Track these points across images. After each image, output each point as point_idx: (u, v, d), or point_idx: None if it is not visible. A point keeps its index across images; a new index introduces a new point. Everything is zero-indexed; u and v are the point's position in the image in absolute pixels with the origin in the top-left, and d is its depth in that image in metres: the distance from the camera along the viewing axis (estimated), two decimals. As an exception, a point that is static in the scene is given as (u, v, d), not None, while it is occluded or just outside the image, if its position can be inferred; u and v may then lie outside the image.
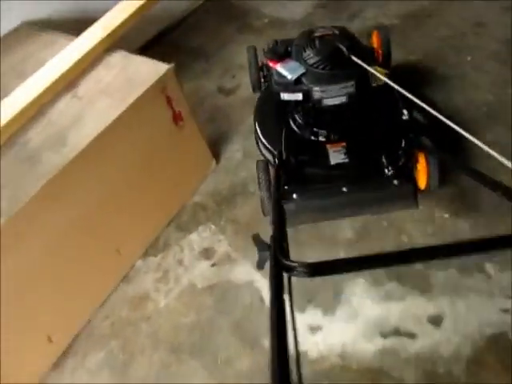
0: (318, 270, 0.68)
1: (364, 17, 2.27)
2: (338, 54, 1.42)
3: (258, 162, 1.55)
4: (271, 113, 1.67)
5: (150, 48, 2.23)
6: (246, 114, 1.82)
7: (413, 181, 1.47)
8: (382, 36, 1.72)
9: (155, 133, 1.45)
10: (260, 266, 0.82)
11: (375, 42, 1.77)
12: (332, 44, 1.44)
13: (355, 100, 1.45)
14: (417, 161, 1.51)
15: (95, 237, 1.38)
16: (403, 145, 1.48)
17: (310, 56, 1.43)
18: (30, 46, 1.57)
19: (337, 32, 1.47)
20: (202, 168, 1.75)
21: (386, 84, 1.34)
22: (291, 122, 1.59)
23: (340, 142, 1.53)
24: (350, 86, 1.40)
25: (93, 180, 1.30)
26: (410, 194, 1.46)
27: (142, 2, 1.59)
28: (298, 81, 1.43)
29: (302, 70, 1.43)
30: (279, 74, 1.45)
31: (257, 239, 0.83)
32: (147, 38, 2.25)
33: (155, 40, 2.30)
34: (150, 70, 1.39)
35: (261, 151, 1.63)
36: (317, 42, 1.46)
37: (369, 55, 1.49)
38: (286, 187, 1.46)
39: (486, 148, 0.86)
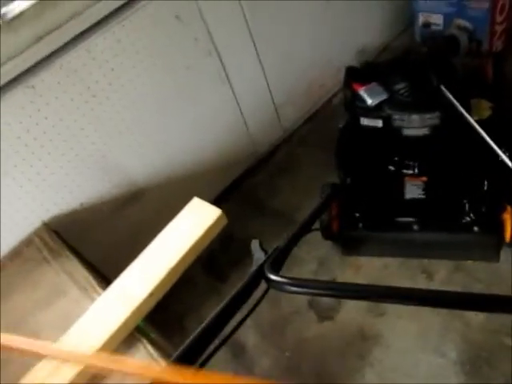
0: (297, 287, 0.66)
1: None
2: (426, 81, 1.36)
3: (323, 185, 1.49)
4: (353, 138, 1.55)
5: (223, 200, 1.72)
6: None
7: (497, 230, 1.34)
8: (496, 66, 1.60)
9: None
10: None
11: (488, 71, 1.62)
12: (421, 70, 1.39)
13: (441, 133, 1.37)
14: (504, 209, 1.36)
15: None
16: (492, 189, 1.36)
17: (396, 81, 1.39)
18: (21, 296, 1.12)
19: (431, 59, 1.41)
20: None
21: (491, 118, 1.34)
22: (369, 148, 1.50)
23: (420, 176, 1.43)
24: (434, 118, 1.33)
25: None
26: (492, 244, 1.35)
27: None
28: (379, 107, 1.39)
29: (383, 96, 1.39)
30: (360, 98, 1.42)
31: (257, 244, 0.78)
32: (220, 189, 1.77)
33: (231, 189, 1.80)
34: None
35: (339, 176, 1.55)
36: (406, 67, 1.42)
37: (469, 86, 1.44)
38: (356, 214, 1.43)
39: None
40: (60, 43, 1.20)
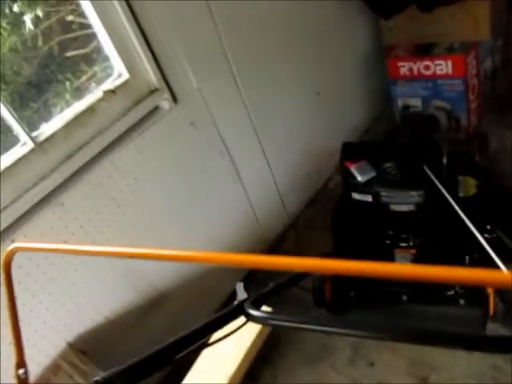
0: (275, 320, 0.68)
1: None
2: (410, 161, 1.46)
3: (317, 253, 1.38)
4: (347, 211, 1.63)
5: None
6: None
7: (482, 303, 1.31)
8: (482, 145, 1.73)
9: None
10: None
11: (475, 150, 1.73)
12: (407, 151, 1.51)
13: (425, 209, 1.43)
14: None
15: None
16: (474, 263, 1.38)
17: (384, 160, 1.49)
18: None
19: (415, 140, 1.56)
20: None
21: (476, 196, 1.45)
22: (361, 221, 1.57)
23: (410, 248, 1.48)
24: (418, 195, 1.40)
25: None
26: (477, 317, 1.33)
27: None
28: (368, 183, 1.48)
29: (372, 174, 1.49)
30: (352, 175, 1.51)
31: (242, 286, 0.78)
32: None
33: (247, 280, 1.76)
34: None
35: None
36: (393, 148, 1.54)
37: (456, 164, 1.52)
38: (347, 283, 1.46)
39: None
40: (87, 159, 1.22)
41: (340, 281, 1.49)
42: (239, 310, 0.71)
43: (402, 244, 1.50)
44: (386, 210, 1.49)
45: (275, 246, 1.91)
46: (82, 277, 1.27)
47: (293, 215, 1.97)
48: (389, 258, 1.48)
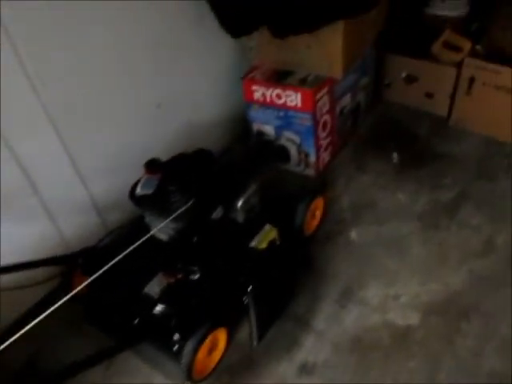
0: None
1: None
2: (187, 193, 1.29)
3: None
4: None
5: None
6: None
7: (185, 361, 1.22)
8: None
9: None
10: None
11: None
12: (215, 178, 1.39)
13: (181, 245, 1.36)
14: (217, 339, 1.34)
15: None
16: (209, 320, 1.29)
17: (171, 180, 1.31)
18: None
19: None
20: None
21: (261, 251, 1.39)
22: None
23: (170, 277, 1.39)
24: (172, 229, 1.31)
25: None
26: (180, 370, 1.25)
27: None
28: (143, 199, 1.32)
29: (149, 191, 1.31)
30: (135, 186, 1.35)
31: None
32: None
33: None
34: None
35: None
36: (207, 169, 1.39)
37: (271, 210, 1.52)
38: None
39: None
40: None
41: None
42: None
43: (167, 269, 1.41)
44: (147, 231, 1.29)
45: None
46: None
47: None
48: (147, 278, 1.40)
